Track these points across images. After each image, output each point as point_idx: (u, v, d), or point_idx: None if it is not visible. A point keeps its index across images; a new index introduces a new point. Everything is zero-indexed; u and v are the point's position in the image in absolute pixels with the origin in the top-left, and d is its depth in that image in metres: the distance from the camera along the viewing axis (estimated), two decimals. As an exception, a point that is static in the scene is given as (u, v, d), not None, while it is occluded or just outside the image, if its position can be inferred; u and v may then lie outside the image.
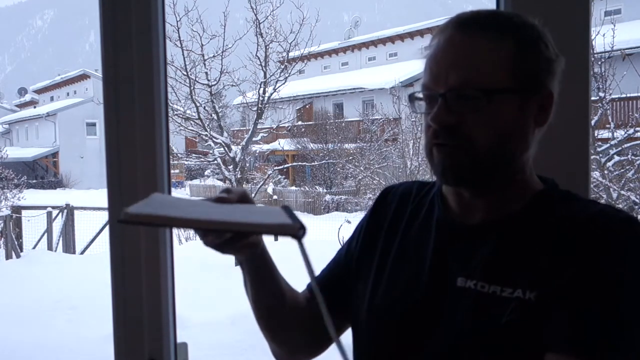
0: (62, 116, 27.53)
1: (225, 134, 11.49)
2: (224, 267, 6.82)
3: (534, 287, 0.83)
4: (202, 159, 13.14)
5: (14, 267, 9.04)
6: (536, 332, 0.81)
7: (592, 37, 2.55)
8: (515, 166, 0.91)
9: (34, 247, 10.93)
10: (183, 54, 10.55)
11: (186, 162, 16.42)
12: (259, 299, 1.04)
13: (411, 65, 16.54)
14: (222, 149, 10.94)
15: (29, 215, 11.33)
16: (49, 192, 21.31)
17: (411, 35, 21.62)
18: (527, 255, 0.86)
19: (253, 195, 12.60)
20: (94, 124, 26.93)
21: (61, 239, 11.11)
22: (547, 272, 0.83)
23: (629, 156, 6.67)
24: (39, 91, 35.22)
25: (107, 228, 1.63)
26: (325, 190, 16.73)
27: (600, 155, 6.31)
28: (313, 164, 17.01)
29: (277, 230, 0.75)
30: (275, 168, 16.28)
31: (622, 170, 6.53)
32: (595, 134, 6.62)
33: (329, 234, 8.39)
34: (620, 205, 5.92)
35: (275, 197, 16.13)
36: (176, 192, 19.01)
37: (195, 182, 21.73)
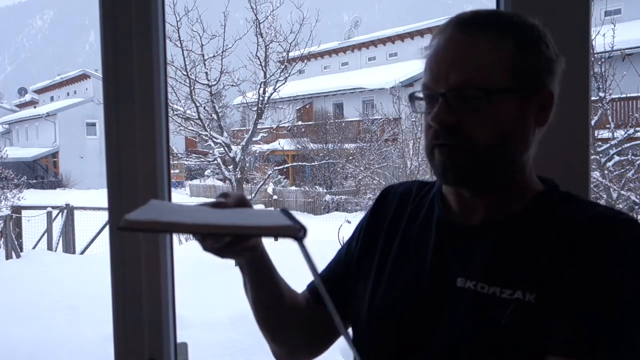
0: (62, 116, 27.54)
1: (225, 134, 11.50)
2: (224, 267, 6.81)
3: (533, 288, 0.83)
4: (202, 159, 13.16)
5: (14, 267, 9.06)
6: (536, 334, 0.81)
7: (592, 37, 2.55)
8: (515, 166, 0.91)
9: (34, 247, 10.94)
10: (183, 54, 10.57)
11: (186, 162, 16.44)
12: (258, 300, 1.04)
13: (411, 65, 16.53)
14: (222, 149, 10.95)
15: (29, 215, 11.33)
16: (49, 192, 21.30)
17: (411, 35, 21.63)
18: (527, 256, 0.86)
19: (253, 195, 12.66)
20: (94, 124, 26.94)
21: (61, 239, 11.11)
22: (547, 273, 0.83)
23: (629, 156, 6.66)
24: (39, 91, 35.24)
25: (107, 228, 1.63)
26: (325, 190, 16.74)
27: (600, 155, 6.31)
28: (313, 164, 17.02)
29: (279, 232, 0.75)
30: (275, 168, 16.30)
31: (622, 170, 6.52)
32: (595, 134, 6.61)
33: (329, 234, 8.39)
34: (620, 206, 5.92)
35: (275, 197, 16.14)
36: (176, 192, 19.04)
37: (195, 182, 21.76)
